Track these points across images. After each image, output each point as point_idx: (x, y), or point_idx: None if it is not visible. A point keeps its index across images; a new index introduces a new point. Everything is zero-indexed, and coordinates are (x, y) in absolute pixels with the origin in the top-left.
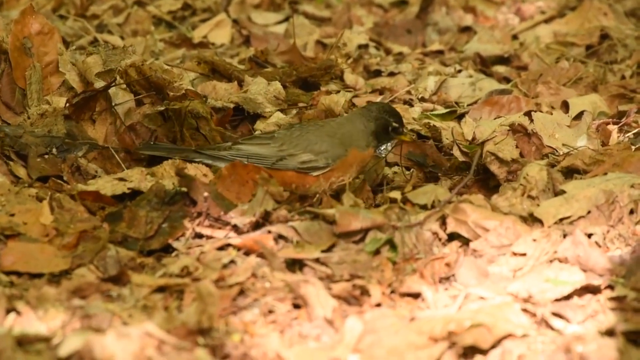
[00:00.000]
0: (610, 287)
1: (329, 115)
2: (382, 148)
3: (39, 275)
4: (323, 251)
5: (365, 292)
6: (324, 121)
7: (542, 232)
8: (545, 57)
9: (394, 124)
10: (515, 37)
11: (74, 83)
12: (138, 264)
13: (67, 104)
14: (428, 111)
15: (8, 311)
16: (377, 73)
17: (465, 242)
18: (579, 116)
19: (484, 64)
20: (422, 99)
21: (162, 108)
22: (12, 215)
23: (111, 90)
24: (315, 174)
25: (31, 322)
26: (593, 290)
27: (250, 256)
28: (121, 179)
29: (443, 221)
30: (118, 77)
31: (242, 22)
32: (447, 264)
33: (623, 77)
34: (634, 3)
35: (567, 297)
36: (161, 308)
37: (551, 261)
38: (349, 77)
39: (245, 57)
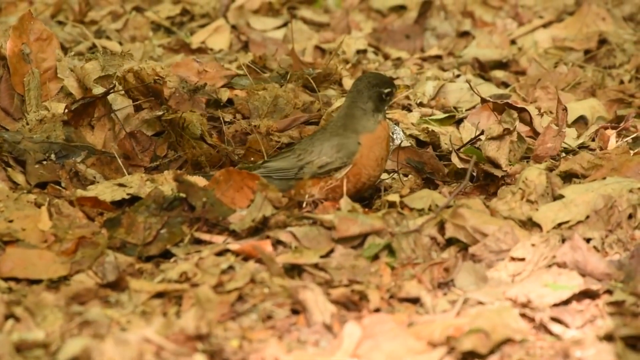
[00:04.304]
0: (609, 291)
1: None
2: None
3: (37, 281)
4: (321, 256)
5: (363, 297)
6: (330, 119)
7: (541, 236)
8: (543, 62)
9: (386, 90)
10: (513, 42)
11: (73, 89)
12: (137, 270)
13: (66, 110)
14: (426, 116)
15: (7, 317)
16: None
17: (464, 247)
18: (577, 121)
19: (483, 69)
20: (421, 104)
21: (160, 113)
22: (11, 221)
23: (110, 96)
24: (338, 175)
25: (30, 328)
26: (592, 295)
27: (249, 262)
28: (121, 185)
29: (441, 226)
30: (117, 83)
31: (240, 27)
32: (446, 269)
33: (621, 82)
34: (632, 8)
35: (566, 302)
36: (160, 314)
37: (550, 266)
38: (348, 83)
39: (243, 63)
